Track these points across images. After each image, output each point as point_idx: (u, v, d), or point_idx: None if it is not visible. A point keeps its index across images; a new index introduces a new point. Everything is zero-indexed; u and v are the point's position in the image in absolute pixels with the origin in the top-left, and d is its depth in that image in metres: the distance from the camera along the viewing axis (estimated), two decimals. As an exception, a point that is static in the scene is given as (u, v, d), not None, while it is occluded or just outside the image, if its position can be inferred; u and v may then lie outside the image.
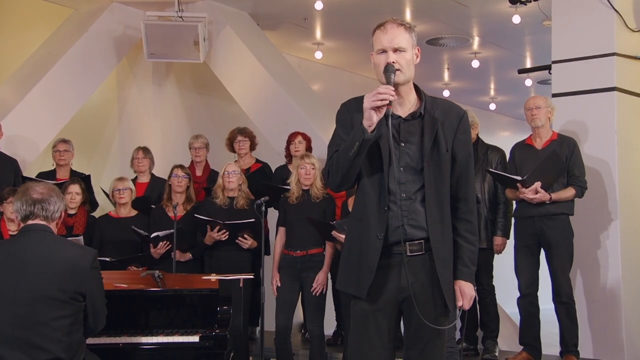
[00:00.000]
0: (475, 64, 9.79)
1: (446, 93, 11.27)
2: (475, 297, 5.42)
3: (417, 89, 2.96)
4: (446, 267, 2.90)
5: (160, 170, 6.81)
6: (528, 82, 10.73)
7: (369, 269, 2.84)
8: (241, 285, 4.36)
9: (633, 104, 5.83)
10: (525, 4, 6.58)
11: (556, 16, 5.99)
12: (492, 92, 12.16)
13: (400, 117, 2.87)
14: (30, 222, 3.18)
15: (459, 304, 2.93)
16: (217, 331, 3.98)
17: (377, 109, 2.70)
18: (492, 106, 12.12)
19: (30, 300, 3.00)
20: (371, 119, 2.70)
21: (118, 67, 7.97)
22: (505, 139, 11.39)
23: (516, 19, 7.84)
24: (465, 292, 2.94)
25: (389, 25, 2.87)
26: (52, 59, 7.27)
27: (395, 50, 2.84)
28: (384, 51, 2.85)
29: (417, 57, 2.92)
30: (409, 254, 2.84)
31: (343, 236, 4.87)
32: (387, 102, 2.68)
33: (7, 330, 2.97)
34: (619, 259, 5.51)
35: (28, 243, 3.12)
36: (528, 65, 10.40)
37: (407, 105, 2.91)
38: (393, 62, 2.81)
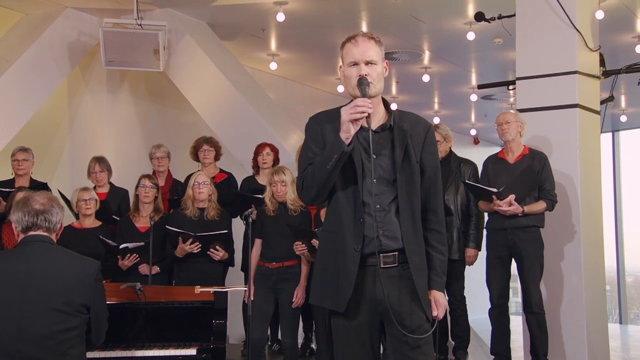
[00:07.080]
0: (426, 78, 9.96)
1: (394, 106, 11.37)
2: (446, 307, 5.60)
3: (384, 102, 2.99)
4: (422, 277, 2.91)
5: (113, 180, 6.63)
6: (473, 97, 11.00)
7: (348, 281, 2.82)
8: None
9: (593, 121, 6.05)
10: (489, 22, 6.73)
11: (520, 34, 6.13)
12: (436, 106, 12.40)
13: (370, 129, 2.87)
14: (31, 233, 3.07)
15: (435, 313, 2.94)
16: (214, 344, 3.89)
17: (355, 121, 2.73)
18: (436, 120, 12.35)
19: (36, 313, 2.89)
20: (349, 132, 2.73)
21: (69, 74, 7.75)
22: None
23: (471, 36, 8.02)
24: (440, 302, 2.96)
25: (360, 38, 2.89)
26: (3, 65, 7.03)
27: (367, 63, 2.87)
28: (356, 64, 2.87)
29: (386, 70, 2.96)
30: (382, 266, 2.85)
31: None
32: (366, 114, 2.72)
33: (11, 344, 2.86)
34: (581, 270, 5.68)
35: (31, 255, 3.01)
36: (473, 80, 10.66)
37: (376, 118, 2.92)
38: (365, 75, 2.83)
